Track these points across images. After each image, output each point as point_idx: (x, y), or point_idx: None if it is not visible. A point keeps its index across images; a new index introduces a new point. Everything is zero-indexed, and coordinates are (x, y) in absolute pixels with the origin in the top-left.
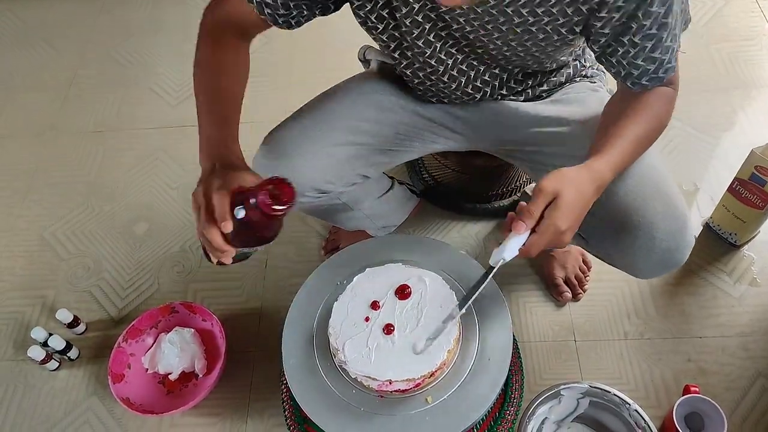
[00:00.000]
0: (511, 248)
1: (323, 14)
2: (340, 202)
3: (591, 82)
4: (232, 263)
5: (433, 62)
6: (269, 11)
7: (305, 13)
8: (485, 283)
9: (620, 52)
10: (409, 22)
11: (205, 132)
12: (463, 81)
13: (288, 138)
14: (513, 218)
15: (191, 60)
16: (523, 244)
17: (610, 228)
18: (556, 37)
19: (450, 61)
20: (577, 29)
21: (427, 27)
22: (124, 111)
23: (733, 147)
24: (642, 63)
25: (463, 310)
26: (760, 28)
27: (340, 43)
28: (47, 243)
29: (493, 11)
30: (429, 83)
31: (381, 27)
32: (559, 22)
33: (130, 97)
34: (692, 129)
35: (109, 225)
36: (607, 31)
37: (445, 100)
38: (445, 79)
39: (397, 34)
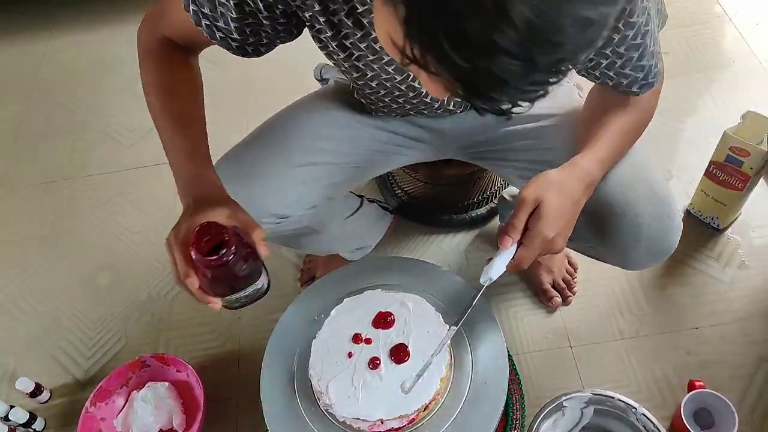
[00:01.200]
0: (497, 267)
1: (285, 41)
2: (302, 225)
3: None
4: (235, 308)
5: (416, 84)
6: (221, 35)
7: (264, 41)
8: (473, 305)
9: (604, 65)
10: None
11: (174, 166)
12: (446, 99)
13: (240, 163)
14: (500, 232)
15: (143, 99)
16: (513, 259)
17: (594, 221)
18: None
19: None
20: None
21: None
22: (76, 158)
23: (702, 130)
24: (631, 72)
25: (449, 340)
26: (712, 11)
27: (294, 63)
28: (2, 306)
29: None
30: (403, 106)
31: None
32: None
33: (81, 143)
34: (659, 116)
35: (69, 279)
36: None
37: (412, 112)
38: (428, 100)
39: (361, 64)
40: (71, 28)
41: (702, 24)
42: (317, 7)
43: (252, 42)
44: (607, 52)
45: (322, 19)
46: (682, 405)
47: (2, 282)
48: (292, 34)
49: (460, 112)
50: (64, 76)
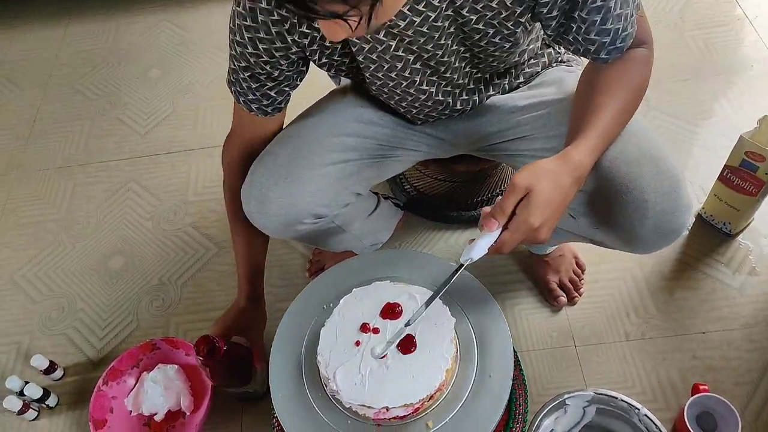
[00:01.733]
0: (479, 247)
1: (300, 79)
2: (334, 225)
3: (567, 66)
4: (242, 400)
5: (412, 91)
6: (255, 105)
7: (285, 88)
8: (451, 282)
9: (573, 29)
10: (376, 57)
11: (237, 264)
12: (450, 101)
13: (277, 167)
14: (486, 214)
15: (158, 87)
16: (495, 242)
17: (599, 200)
18: (505, 32)
19: (433, 90)
20: (523, 20)
21: (400, 56)
22: (92, 144)
23: (717, 134)
24: (596, 37)
25: (424, 313)
26: (732, 13)
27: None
28: (18, 286)
29: (437, 22)
30: (413, 110)
31: (350, 73)
32: (503, 16)
33: (97, 130)
34: (674, 119)
35: (83, 262)
36: (555, 13)
37: (434, 114)
38: (430, 104)
39: (368, 75)
40: (89, 15)
41: (721, 26)
42: (307, 39)
43: (278, 99)
44: (575, 16)
45: (314, 47)
46: (686, 408)
47: (19, 262)
48: (302, 72)
49: (470, 109)
50: (81, 63)
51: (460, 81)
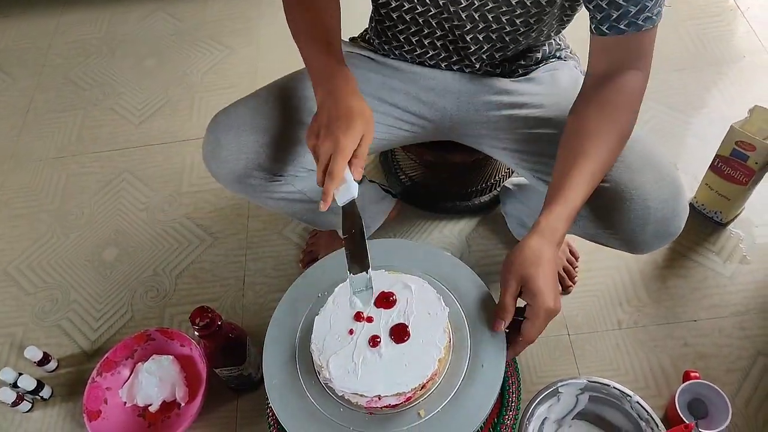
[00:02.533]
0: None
1: None
2: (295, 189)
3: (564, 61)
4: (232, 387)
5: (464, 16)
6: None
7: None
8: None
9: None
10: None
11: (310, 64)
12: (486, 47)
13: (238, 112)
14: (495, 320)
15: (152, 77)
16: (521, 337)
17: (602, 206)
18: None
19: (482, 25)
20: None
21: None
22: (85, 134)
23: (709, 124)
24: (623, 3)
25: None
26: (725, 4)
27: None
28: (11, 278)
29: None
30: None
31: None
32: None
33: (91, 120)
34: (667, 108)
35: (76, 253)
36: None
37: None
38: (468, 39)
39: None
40: (83, 4)
41: (713, 17)
42: None
43: None
44: None
45: None
46: (677, 394)
47: (12, 253)
48: None
49: (475, 60)
50: (75, 53)
51: (474, 14)
